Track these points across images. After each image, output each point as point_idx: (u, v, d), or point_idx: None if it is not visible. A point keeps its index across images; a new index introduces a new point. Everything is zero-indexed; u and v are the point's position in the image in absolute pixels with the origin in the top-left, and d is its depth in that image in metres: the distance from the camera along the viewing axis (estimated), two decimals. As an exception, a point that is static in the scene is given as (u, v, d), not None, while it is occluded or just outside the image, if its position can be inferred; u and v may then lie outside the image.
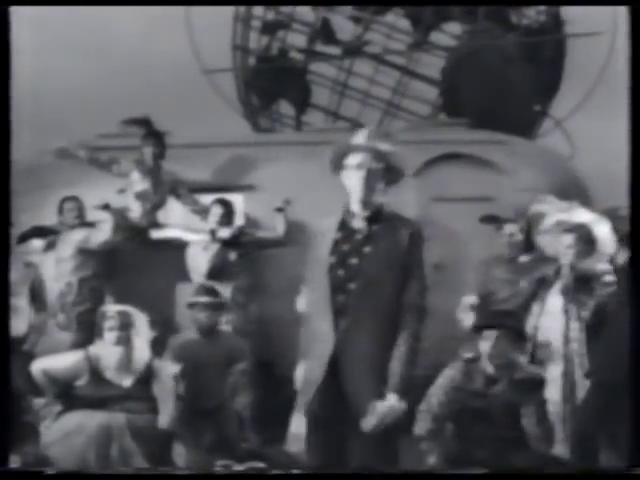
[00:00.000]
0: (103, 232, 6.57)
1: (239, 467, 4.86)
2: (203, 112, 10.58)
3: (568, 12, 10.10)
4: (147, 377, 4.94)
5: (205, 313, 5.69)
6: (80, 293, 6.52)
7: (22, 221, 6.27)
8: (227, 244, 6.58)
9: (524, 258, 6.07)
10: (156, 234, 6.93)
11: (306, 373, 3.48)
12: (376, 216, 3.49)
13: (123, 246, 6.69)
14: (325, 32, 10.33)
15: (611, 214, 5.87)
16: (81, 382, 4.90)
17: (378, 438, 3.29)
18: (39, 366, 4.97)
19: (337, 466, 3.42)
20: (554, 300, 5.44)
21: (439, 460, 4.48)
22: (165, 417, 4.82)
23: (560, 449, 4.89)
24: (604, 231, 5.50)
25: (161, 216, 7.03)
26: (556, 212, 5.86)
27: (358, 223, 3.49)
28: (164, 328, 5.86)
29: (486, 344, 4.66)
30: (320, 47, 10.56)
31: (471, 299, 5.97)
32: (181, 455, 4.79)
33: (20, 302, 5.86)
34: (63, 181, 7.02)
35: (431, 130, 8.30)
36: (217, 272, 6.45)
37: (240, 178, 7.28)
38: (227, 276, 6.44)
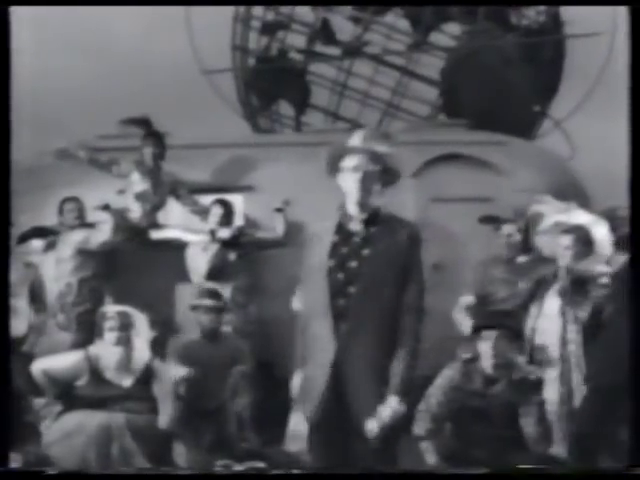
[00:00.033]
0: (103, 233, 6.57)
1: (239, 467, 4.86)
2: (203, 112, 10.59)
3: (568, 13, 10.10)
4: (147, 377, 4.96)
5: (208, 316, 5.71)
6: (80, 293, 6.52)
7: (22, 221, 6.27)
8: (227, 244, 6.59)
9: (522, 258, 6.08)
10: (156, 235, 6.94)
11: (306, 377, 3.47)
12: (373, 218, 3.48)
13: (123, 247, 6.69)
14: (325, 32, 10.33)
15: (610, 214, 5.88)
16: (81, 382, 4.92)
17: (378, 439, 3.29)
18: (39, 366, 4.99)
19: (338, 467, 3.41)
20: (551, 302, 5.45)
21: (438, 459, 4.49)
22: (165, 417, 4.84)
23: (558, 449, 4.90)
24: (602, 233, 5.50)
25: (161, 217, 7.04)
26: (555, 213, 5.88)
27: (355, 226, 3.47)
28: (164, 328, 5.87)
29: (485, 345, 4.67)
30: (320, 47, 10.57)
31: (468, 299, 5.97)
32: (181, 455, 4.80)
33: (20, 303, 5.86)
34: (63, 182, 7.03)
35: (430, 131, 8.31)
36: (217, 272, 6.46)
37: (239, 179, 7.29)
38: (227, 276, 6.45)
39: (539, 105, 10.27)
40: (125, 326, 5.03)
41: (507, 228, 6.17)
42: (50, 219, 6.78)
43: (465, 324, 5.75)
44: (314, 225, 3.62)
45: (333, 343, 3.35)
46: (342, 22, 10.41)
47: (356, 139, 3.54)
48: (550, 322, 5.41)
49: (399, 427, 3.39)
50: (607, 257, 5.40)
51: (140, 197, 6.85)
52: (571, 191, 7.06)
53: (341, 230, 3.48)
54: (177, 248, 6.68)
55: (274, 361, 6.14)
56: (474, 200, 7.01)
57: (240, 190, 7.21)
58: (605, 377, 4.74)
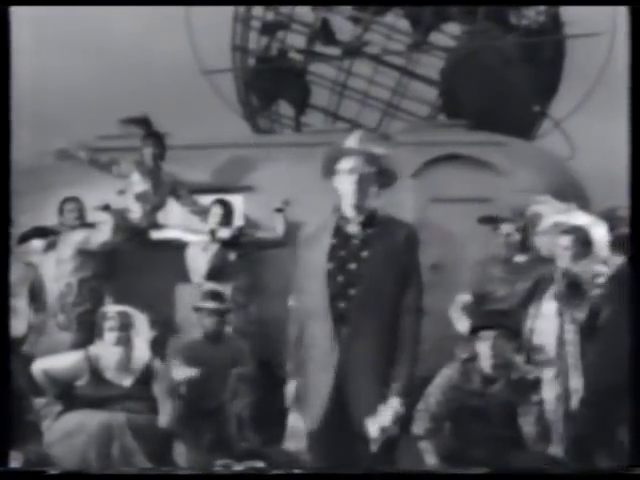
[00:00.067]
0: (103, 233, 6.58)
1: (239, 466, 4.87)
2: (202, 113, 10.59)
3: (567, 13, 10.10)
4: (147, 377, 4.97)
5: (212, 319, 5.71)
6: (80, 294, 6.53)
7: (22, 222, 6.28)
8: (227, 244, 6.59)
9: (520, 258, 6.07)
10: (156, 235, 6.95)
11: (306, 381, 3.45)
12: (370, 220, 3.46)
13: (123, 247, 6.70)
14: (324, 33, 10.32)
15: (610, 215, 5.88)
16: (81, 382, 4.94)
17: (380, 440, 3.28)
18: (40, 366, 5.01)
19: (338, 467, 3.41)
20: (549, 302, 5.45)
21: (437, 459, 4.49)
22: (165, 417, 4.85)
23: (555, 449, 4.90)
24: (601, 234, 5.51)
25: (161, 217, 7.05)
26: (554, 213, 5.88)
27: (353, 228, 3.46)
28: (164, 328, 5.89)
29: (484, 345, 4.68)
30: (319, 48, 10.56)
31: (465, 298, 5.96)
32: (181, 454, 4.81)
33: (20, 302, 5.87)
34: (63, 182, 7.04)
35: (429, 131, 8.32)
36: (217, 272, 6.46)
37: (239, 179, 7.30)
38: (227, 276, 6.46)
39: (539, 105, 10.27)
40: (125, 326, 5.05)
41: (506, 227, 6.17)
42: (50, 219, 6.79)
43: (461, 322, 5.75)
44: (309, 227, 3.60)
45: (335, 346, 3.33)
46: (342, 22, 10.41)
47: (352, 141, 3.53)
48: (548, 322, 5.42)
49: (399, 428, 3.39)
50: (605, 258, 5.40)
51: (140, 197, 6.86)
52: (570, 191, 7.06)
53: (339, 233, 3.46)
54: (177, 248, 6.69)
55: (274, 361, 6.14)
56: (473, 200, 7.02)
57: (240, 190, 7.22)
58: (602, 377, 4.74)
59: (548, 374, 5.23)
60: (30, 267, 6.13)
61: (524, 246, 6.11)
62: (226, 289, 6.28)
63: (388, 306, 3.39)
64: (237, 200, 7.06)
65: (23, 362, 5.23)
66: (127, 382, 4.95)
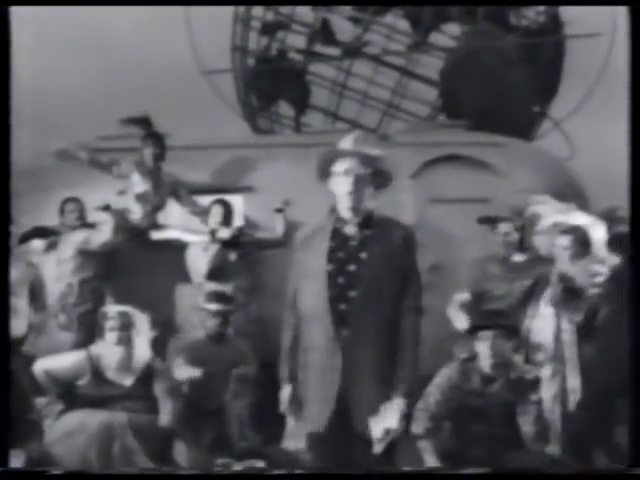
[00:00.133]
0: (104, 233, 6.58)
1: (239, 465, 4.87)
2: (202, 113, 10.60)
3: (567, 13, 10.11)
4: (148, 377, 4.99)
5: (215, 319, 5.71)
6: (81, 294, 6.53)
7: (23, 222, 6.29)
8: (227, 245, 6.59)
9: (518, 257, 6.07)
10: (156, 235, 6.96)
11: (305, 384, 3.44)
12: (367, 221, 3.46)
13: (123, 247, 6.70)
14: (324, 33, 10.33)
15: (609, 215, 5.89)
16: (83, 382, 4.96)
17: (385, 442, 3.29)
18: (41, 366, 5.03)
19: (338, 467, 3.41)
20: (547, 302, 5.46)
21: (436, 458, 4.50)
22: (166, 416, 4.87)
23: (553, 448, 4.91)
24: (600, 234, 5.52)
25: (161, 217, 7.05)
26: (553, 213, 5.89)
27: (350, 229, 3.45)
28: (164, 328, 5.89)
29: (483, 345, 4.69)
30: (319, 48, 10.57)
31: (463, 296, 5.96)
32: (182, 453, 4.83)
33: (20, 302, 5.88)
34: (64, 182, 7.04)
35: (429, 132, 8.32)
36: (217, 273, 6.46)
37: (239, 179, 7.30)
38: (227, 276, 6.46)
39: (539, 105, 10.29)
40: (126, 326, 5.07)
41: (504, 226, 6.16)
42: (51, 220, 6.80)
43: (459, 320, 5.75)
44: (305, 229, 3.60)
45: (336, 348, 3.33)
46: (342, 22, 10.42)
47: (347, 142, 3.52)
48: (545, 322, 5.42)
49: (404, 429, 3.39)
50: (604, 258, 5.41)
51: (141, 198, 6.86)
52: (570, 192, 7.07)
53: (337, 234, 3.46)
54: (177, 248, 6.69)
55: (274, 361, 6.14)
56: (473, 201, 7.02)
57: (240, 191, 7.22)
58: (600, 377, 4.75)
59: (546, 374, 5.23)
60: (30, 266, 6.14)
61: (522, 246, 6.11)
62: (227, 289, 6.28)
63: (387, 307, 3.38)
64: (237, 200, 7.06)
65: (24, 362, 5.25)
66: (128, 382, 4.97)
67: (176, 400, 4.98)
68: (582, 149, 10.07)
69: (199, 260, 6.54)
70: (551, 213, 6.06)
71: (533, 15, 10.42)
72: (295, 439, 4.97)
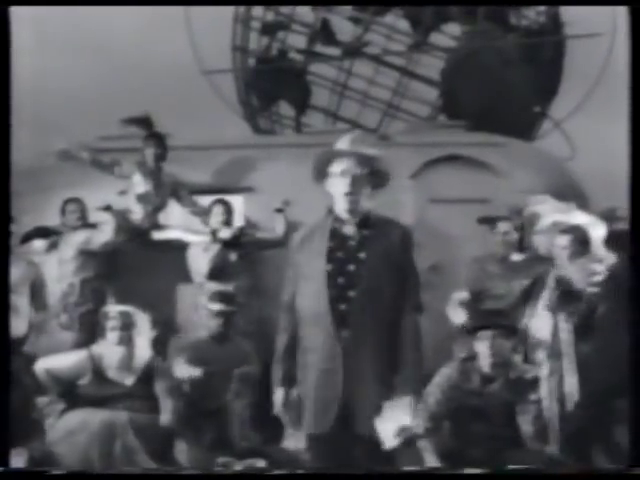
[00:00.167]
0: (105, 233, 6.60)
1: (239, 464, 4.88)
2: (203, 113, 10.60)
3: (567, 13, 10.12)
4: (149, 376, 5.00)
5: (218, 319, 5.71)
6: (82, 294, 6.55)
7: (24, 223, 6.31)
8: (227, 245, 6.60)
9: (517, 257, 6.08)
10: (157, 235, 6.96)
11: (305, 386, 3.43)
12: (365, 221, 3.45)
13: (125, 247, 6.72)
14: (325, 33, 10.34)
15: (609, 215, 5.89)
16: (84, 381, 4.98)
17: (375, 439, 3.29)
18: (42, 365, 5.05)
19: (338, 467, 3.41)
20: (545, 302, 5.46)
21: (436, 458, 4.50)
22: (167, 415, 4.88)
23: (552, 447, 4.92)
24: (599, 233, 5.52)
25: (162, 217, 7.06)
26: (553, 212, 5.89)
27: (348, 229, 3.45)
28: (165, 328, 5.89)
29: (482, 344, 4.70)
30: (320, 48, 10.58)
31: (461, 295, 5.96)
32: (183, 452, 4.84)
33: (21, 301, 5.90)
34: (65, 183, 7.06)
35: (429, 132, 8.33)
36: (218, 273, 6.47)
37: (240, 180, 7.31)
38: (228, 276, 6.46)
39: (539, 106, 10.29)
40: (127, 326, 5.09)
41: (503, 226, 6.17)
42: (52, 220, 6.81)
43: (457, 316, 5.75)
44: (302, 229, 3.60)
45: (337, 349, 3.32)
46: (342, 22, 10.43)
47: (343, 143, 3.52)
48: (543, 321, 5.42)
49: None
50: (603, 257, 5.41)
51: (142, 198, 6.87)
52: (570, 192, 7.07)
53: (335, 234, 3.45)
54: (178, 248, 6.70)
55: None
56: (473, 201, 7.03)
57: (240, 191, 7.23)
58: (598, 376, 4.75)
59: (543, 373, 5.24)
60: (31, 266, 6.16)
61: (521, 245, 6.12)
62: (227, 289, 6.28)
63: (387, 306, 3.38)
64: (237, 201, 7.07)
65: (25, 361, 5.26)
66: (129, 381, 4.99)
67: (177, 399, 4.99)
68: (582, 149, 10.08)
69: (200, 260, 6.55)
70: (550, 212, 6.05)
71: (533, 15, 10.44)
72: (295, 439, 4.97)
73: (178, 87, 12.23)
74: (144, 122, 7.76)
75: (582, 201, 7.02)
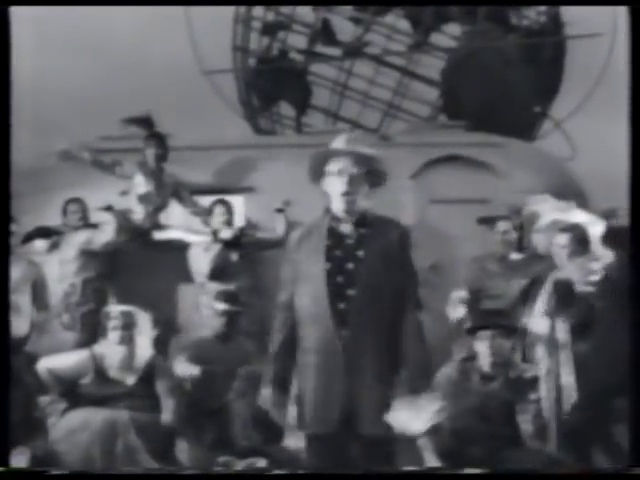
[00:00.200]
0: (106, 233, 6.61)
1: (240, 463, 4.88)
2: (203, 113, 10.61)
3: (568, 13, 10.12)
4: (150, 375, 5.02)
5: (222, 319, 5.71)
6: (84, 294, 6.56)
7: (25, 223, 6.31)
8: (228, 245, 6.61)
9: (516, 256, 6.09)
10: (158, 235, 6.97)
11: (307, 385, 3.42)
12: (362, 220, 3.43)
13: (126, 247, 6.73)
14: (325, 33, 10.35)
15: (609, 215, 5.89)
16: (86, 380, 5.00)
17: (376, 438, 3.29)
18: (44, 365, 5.07)
19: (337, 467, 3.40)
20: (543, 302, 5.46)
21: (436, 457, 4.51)
22: (168, 414, 4.90)
23: (551, 447, 4.92)
24: (599, 232, 5.51)
25: (163, 218, 7.06)
26: (553, 211, 5.89)
27: (346, 228, 3.44)
28: (166, 328, 5.90)
29: (482, 344, 4.71)
30: (320, 48, 10.58)
31: (460, 294, 5.96)
32: (184, 451, 4.85)
33: (22, 301, 5.91)
34: (66, 183, 7.07)
35: (429, 132, 8.34)
36: (219, 273, 6.48)
37: (240, 180, 7.32)
38: (229, 276, 6.47)
39: (540, 106, 10.30)
40: (128, 325, 5.11)
41: (502, 225, 6.17)
42: (53, 220, 6.83)
43: (456, 311, 5.76)
44: (299, 229, 3.60)
45: (338, 348, 3.31)
46: (343, 23, 10.43)
47: (340, 142, 3.52)
48: (541, 320, 5.42)
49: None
50: (602, 256, 5.40)
51: (143, 198, 6.88)
52: (569, 192, 7.08)
53: (332, 233, 3.44)
54: (179, 249, 6.71)
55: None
56: (473, 201, 7.04)
57: (241, 191, 7.24)
58: (596, 375, 4.75)
59: (541, 372, 5.24)
60: (33, 265, 6.17)
61: (521, 244, 6.12)
62: (232, 289, 6.28)
63: (386, 305, 3.37)
64: (238, 201, 7.08)
65: (27, 360, 5.27)
66: (130, 380, 5.01)
67: (178, 398, 5.00)
68: (583, 149, 10.08)
69: (201, 260, 6.56)
70: (550, 211, 6.06)
71: (534, 15, 10.44)
72: (296, 438, 4.97)
73: (178, 87, 12.24)
74: (145, 122, 7.76)
75: (582, 201, 7.03)
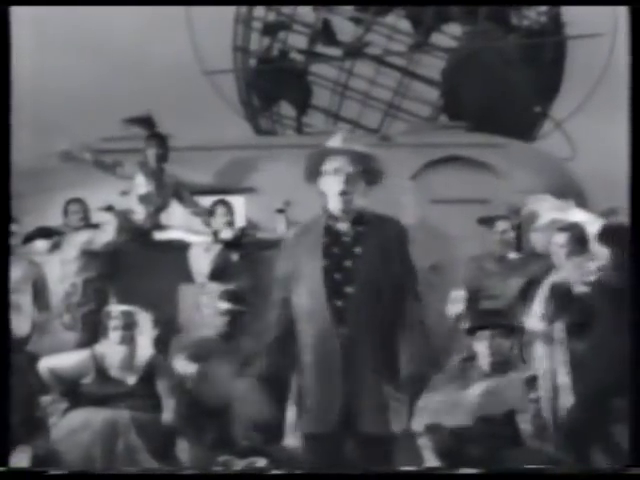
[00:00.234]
0: (107, 234, 6.63)
1: (240, 463, 4.88)
2: (204, 113, 10.62)
3: (568, 13, 10.12)
4: (151, 375, 5.03)
5: (225, 318, 5.71)
6: (85, 294, 6.57)
7: (26, 223, 6.32)
8: (229, 245, 6.61)
9: (514, 255, 6.09)
10: (159, 235, 6.98)
11: (304, 383, 3.41)
12: (359, 218, 3.43)
13: (127, 247, 6.74)
14: (326, 33, 10.35)
15: (609, 215, 5.89)
16: (87, 380, 5.01)
17: (376, 438, 3.29)
18: (46, 364, 5.08)
19: (336, 467, 3.40)
20: (541, 301, 5.47)
21: (436, 456, 4.51)
22: (169, 414, 4.91)
23: (549, 446, 4.93)
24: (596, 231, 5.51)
25: (164, 218, 7.07)
26: (552, 210, 5.90)
27: (343, 226, 3.43)
28: (167, 327, 5.91)
29: (481, 344, 4.72)
30: (321, 48, 10.59)
31: (459, 293, 5.97)
32: (184, 451, 4.86)
33: (24, 301, 5.92)
34: (67, 183, 7.08)
35: (429, 133, 8.34)
36: (219, 273, 6.48)
37: (241, 180, 7.33)
38: (229, 277, 6.47)
39: (540, 106, 10.30)
40: (129, 325, 5.12)
41: (501, 225, 6.18)
42: (54, 220, 6.84)
43: (454, 307, 5.76)
44: (296, 228, 3.61)
45: (336, 345, 3.30)
46: (343, 23, 10.43)
47: (336, 141, 3.52)
48: (538, 319, 5.43)
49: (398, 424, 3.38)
50: (600, 255, 5.40)
51: (144, 199, 6.89)
52: (570, 192, 7.08)
53: (329, 231, 3.43)
54: (180, 249, 6.72)
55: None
56: (473, 202, 7.05)
57: (242, 192, 7.25)
58: (594, 375, 4.76)
59: (540, 372, 5.25)
60: (33, 265, 6.18)
61: (519, 243, 6.13)
62: (236, 288, 6.29)
63: (385, 302, 3.35)
64: (239, 201, 7.08)
65: (28, 360, 5.28)
66: (131, 380, 5.02)
67: (179, 398, 5.01)
68: (583, 149, 10.09)
69: (201, 260, 6.56)
70: (549, 210, 6.07)
71: (534, 15, 10.44)
72: (295, 437, 4.98)
73: (179, 87, 12.25)
74: (145, 122, 7.76)
75: (582, 201, 7.04)
